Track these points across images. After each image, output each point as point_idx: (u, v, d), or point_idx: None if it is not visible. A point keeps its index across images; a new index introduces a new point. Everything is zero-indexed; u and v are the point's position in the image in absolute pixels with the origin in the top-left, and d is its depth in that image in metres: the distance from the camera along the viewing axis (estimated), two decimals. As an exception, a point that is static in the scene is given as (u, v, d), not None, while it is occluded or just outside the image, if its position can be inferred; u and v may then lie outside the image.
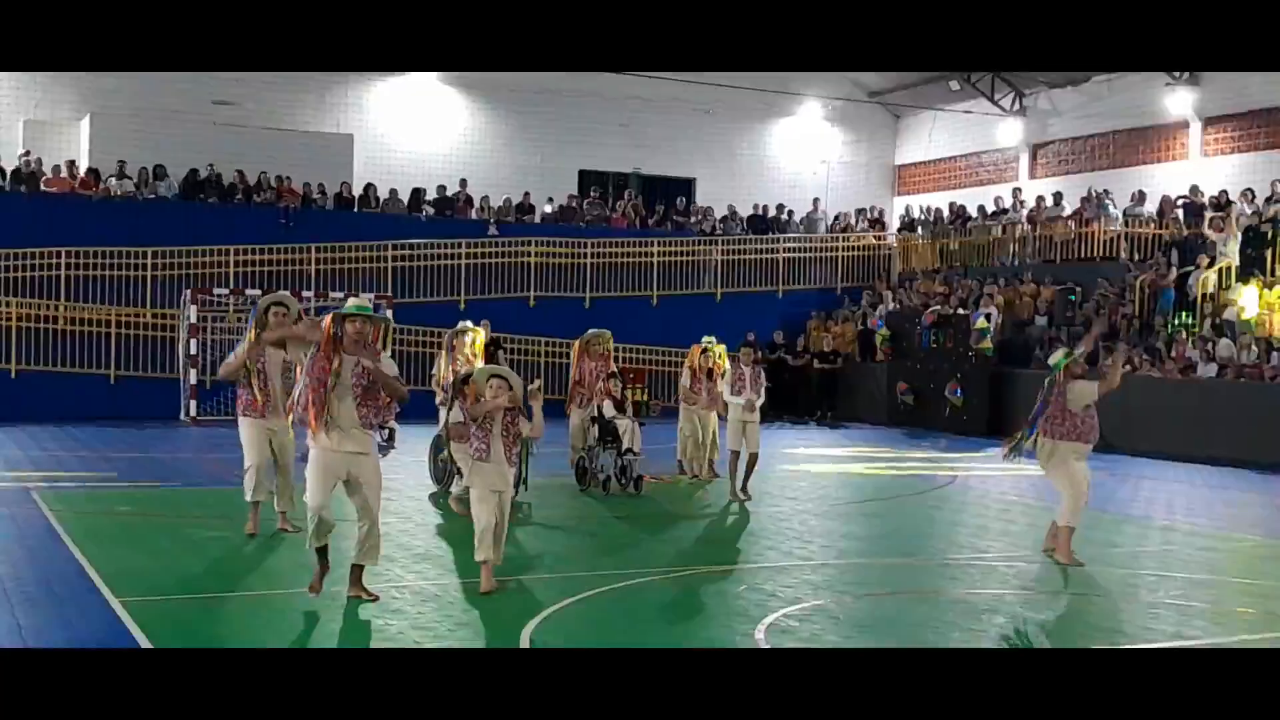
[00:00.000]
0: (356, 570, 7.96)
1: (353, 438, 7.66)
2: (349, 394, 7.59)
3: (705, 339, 15.01)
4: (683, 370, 15.40)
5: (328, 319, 7.70)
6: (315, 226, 24.67)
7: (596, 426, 13.79)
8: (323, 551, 7.82)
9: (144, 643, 6.83)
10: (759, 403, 13.38)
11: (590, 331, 14.24)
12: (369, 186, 26.41)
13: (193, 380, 21.65)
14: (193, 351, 21.73)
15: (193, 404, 21.66)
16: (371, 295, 21.97)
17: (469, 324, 13.48)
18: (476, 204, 27.36)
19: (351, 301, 8.02)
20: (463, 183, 27.44)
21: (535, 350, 24.24)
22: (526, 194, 28.11)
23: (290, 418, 8.75)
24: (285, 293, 10.33)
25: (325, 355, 7.58)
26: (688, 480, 14.90)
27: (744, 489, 13.26)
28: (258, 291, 22.38)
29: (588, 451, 13.87)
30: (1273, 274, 20.71)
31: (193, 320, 21.95)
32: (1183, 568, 10.22)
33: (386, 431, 18.41)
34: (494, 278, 25.55)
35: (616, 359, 24.71)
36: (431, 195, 27.08)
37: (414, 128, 28.72)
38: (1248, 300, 19.96)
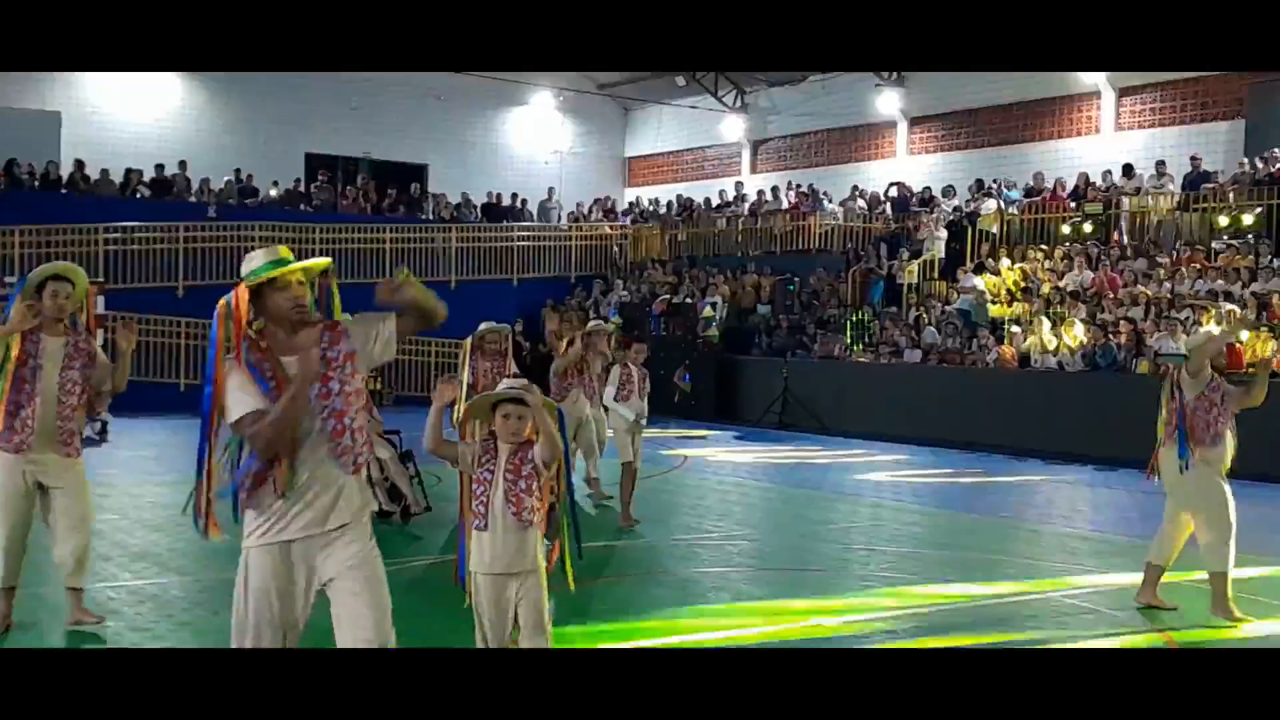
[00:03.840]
0: None
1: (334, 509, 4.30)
2: (315, 429, 4.25)
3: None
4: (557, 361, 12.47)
5: (235, 297, 4.24)
6: (18, 208, 23.15)
7: None
8: None
9: None
10: (640, 415, 11.26)
11: (483, 326, 11.39)
12: (78, 164, 24.96)
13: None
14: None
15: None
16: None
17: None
18: (196, 186, 26.28)
19: (260, 256, 4.39)
20: (181, 164, 26.27)
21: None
22: (249, 176, 27.19)
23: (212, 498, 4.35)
24: (69, 263, 7.05)
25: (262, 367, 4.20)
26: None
27: (627, 513, 11.13)
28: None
29: None
30: (972, 265, 22.24)
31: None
32: (890, 541, 10.91)
33: (99, 424, 17.60)
34: (216, 263, 24.55)
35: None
36: (148, 176, 25.84)
37: (128, 105, 27.32)
38: (976, 286, 21.20)
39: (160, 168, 26.08)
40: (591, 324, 12.85)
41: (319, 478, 4.24)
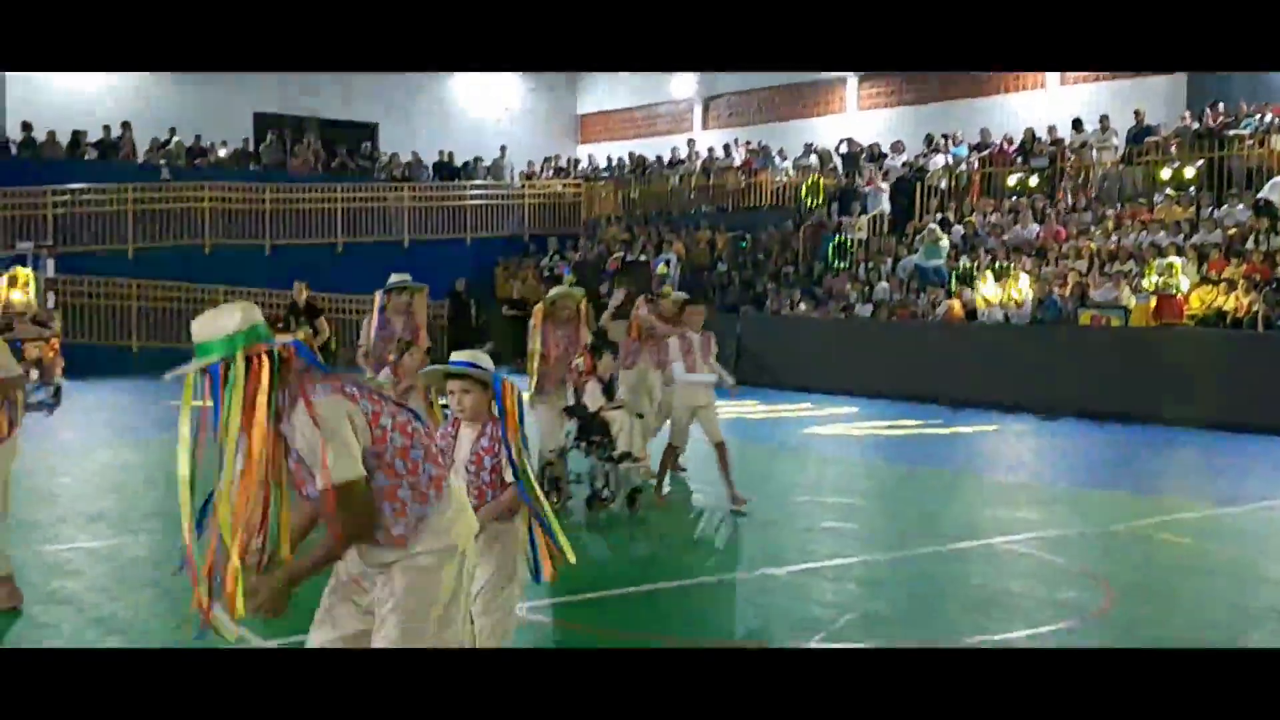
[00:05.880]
0: None
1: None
2: None
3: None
4: (612, 322, 11.33)
5: None
6: (-36, 173, 22.94)
7: (574, 420, 9.76)
8: None
9: None
10: (717, 381, 10.11)
11: (554, 291, 10.28)
12: (25, 126, 24.66)
13: None
14: None
15: None
16: (31, 244, 20.57)
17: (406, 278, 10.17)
18: (145, 147, 26.05)
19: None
20: (125, 125, 25.99)
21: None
22: (198, 137, 26.96)
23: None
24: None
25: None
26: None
27: (733, 494, 9.89)
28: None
29: (558, 455, 9.73)
30: (920, 220, 22.48)
31: None
32: (835, 493, 11.16)
33: (53, 388, 17.56)
34: (166, 224, 24.40)
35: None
36: (95, 137, 25.59)
37: (71, 65, 26.97)
38: (936, 232, 21.20)
39: (107, 129, 25.80)
40: (667, 289, 11.49)
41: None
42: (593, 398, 9.75)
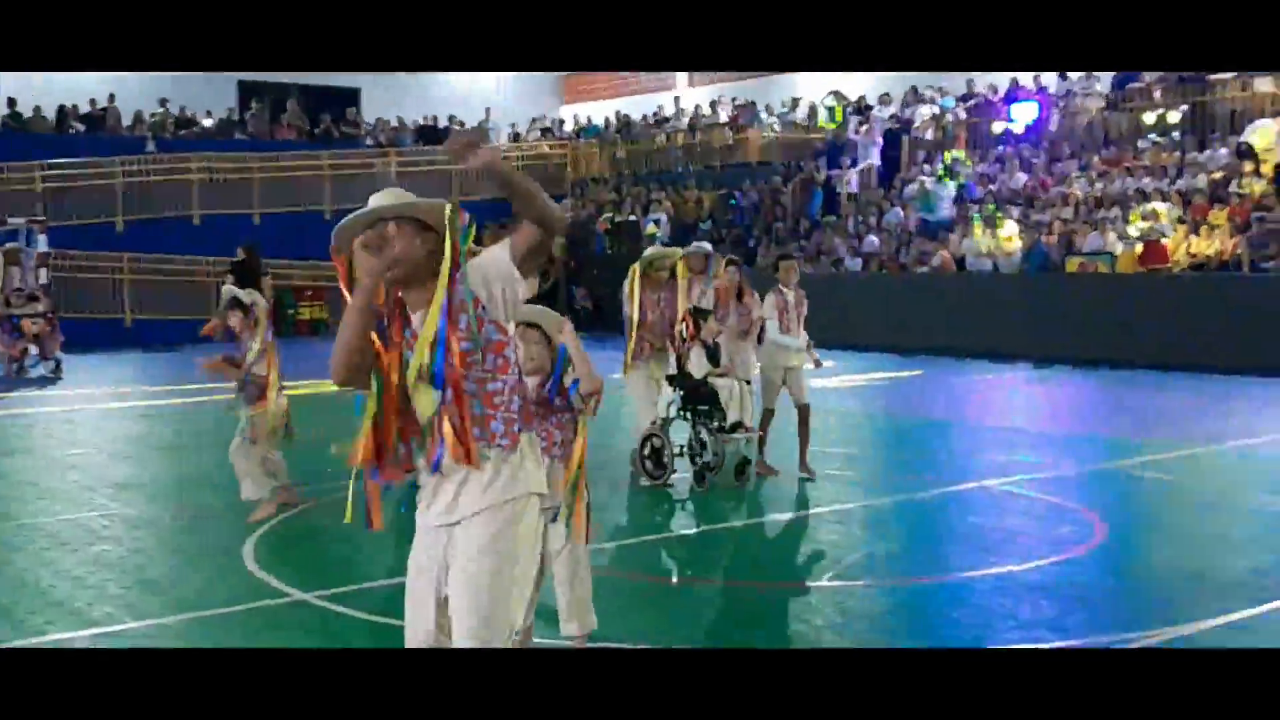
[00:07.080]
0: None
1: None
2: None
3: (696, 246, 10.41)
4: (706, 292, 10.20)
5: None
6: (-48, 150, 22.96)
7: (676, 389, 9.24)
8: None
9: None
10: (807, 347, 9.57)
11: (650, 251, 9.78)
12: (10, 102, 24.68)
13: None
14: None
15: None
16: (24, 220, 20.65)
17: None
18: (130, 119, 26.08)
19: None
20: (111, 97, 26.00)
21: (204, 272, 23.54)
22: (183, 108, 26.99)
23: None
24: None
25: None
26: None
27: (804, 462, 9.47)
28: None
29: (662, 427, 9.20)
30: (908, 172, 22.71)
31: None
32: (838, 444, 11.46)
33: (53, 362, 17.76)
34: (155, 196, 24.46)
35: (286, 278, 24.08)
36: (81, 111, 25.63)
37: (54, 38, 26.90)
38: (925, 184, 21.46)
39: (93, 102, 25.80)
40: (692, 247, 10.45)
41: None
42: (698, 364, 9.18)
